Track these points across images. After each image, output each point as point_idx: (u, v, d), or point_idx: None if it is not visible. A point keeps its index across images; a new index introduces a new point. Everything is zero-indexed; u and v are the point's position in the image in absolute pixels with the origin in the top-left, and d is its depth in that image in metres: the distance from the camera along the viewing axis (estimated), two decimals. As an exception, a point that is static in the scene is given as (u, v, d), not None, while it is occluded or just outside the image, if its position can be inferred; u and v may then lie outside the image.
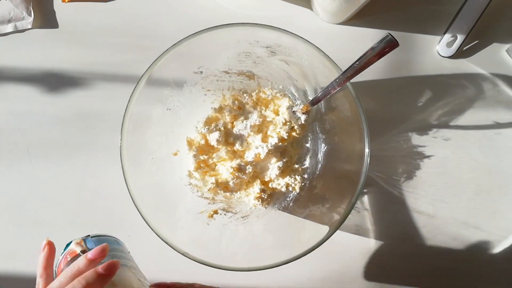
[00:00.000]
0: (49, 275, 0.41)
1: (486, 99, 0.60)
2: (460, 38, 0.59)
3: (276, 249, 0.53)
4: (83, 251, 0.40)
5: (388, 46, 0.42)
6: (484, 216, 0.59)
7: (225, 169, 0.55)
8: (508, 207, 0.60)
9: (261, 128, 0.56)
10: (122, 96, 0.52)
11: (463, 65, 0.60)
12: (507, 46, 0.60)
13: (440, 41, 0.60)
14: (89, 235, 0.42)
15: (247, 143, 0.56)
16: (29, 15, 0.60)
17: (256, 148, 0.55)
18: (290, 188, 0.56)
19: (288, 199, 0.57)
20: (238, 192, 0.56)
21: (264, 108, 0.58)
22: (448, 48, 0.59)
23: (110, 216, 0.59)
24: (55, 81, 0.60)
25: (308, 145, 0.58)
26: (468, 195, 0.60)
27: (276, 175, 0.55)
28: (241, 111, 0.58)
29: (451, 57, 0.60)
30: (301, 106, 0.55)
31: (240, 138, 0.56)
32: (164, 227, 0.51)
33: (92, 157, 0.60)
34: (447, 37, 0.59)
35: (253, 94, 0.58)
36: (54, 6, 0.61)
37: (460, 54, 0.60)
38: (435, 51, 0.60)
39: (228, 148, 0.56)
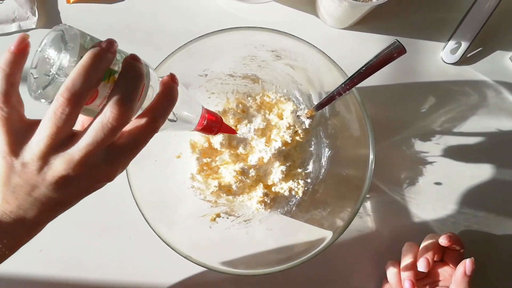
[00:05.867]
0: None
1: (489, 106, 0.60)
2: (464, 45, 0.59)
3: (279, 254, 0.53)
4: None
5: (395, 52, 0.42)
6: (485, 224, 0.59)
7: (228, 173, 0.55)
8: (510, 214, 0.60)
9: (264, 132, 0.56)
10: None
11: (467, 72, 0.61)
12: (510, 53, 0.60)
13: (444, 48, 0.60)
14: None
15: (251, 146, 0.56)
16: (34, 15, 0.59)
17: (259, 151, 0.55)
18: (293, 193, 0.56)
19: (290, 204, 0.57)
20: (241, 195, 0.56)
21: (268, 112, 0.58)
22: (452, 55, 0.59)
23: (112, 218, 0.59)
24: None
25: (311, 149, 0.58)
26: (470, 202, 0.60)
27: (279, 179, 0.55)
28: (245, 114, 0.57)
29: (455, 64, 0.60)
30: (305, 111, 0.55)
31: (243, 141, 0.56)
32: (167, 230, 0.51)
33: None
34: (451, 44, 0.59)
35: (257, 97, 0.58)
36: (58, 7, 0.61)
37: (464, 61, 0.60)
38: (439, 58, 0.60)
39: (232, 152, 0.56)
